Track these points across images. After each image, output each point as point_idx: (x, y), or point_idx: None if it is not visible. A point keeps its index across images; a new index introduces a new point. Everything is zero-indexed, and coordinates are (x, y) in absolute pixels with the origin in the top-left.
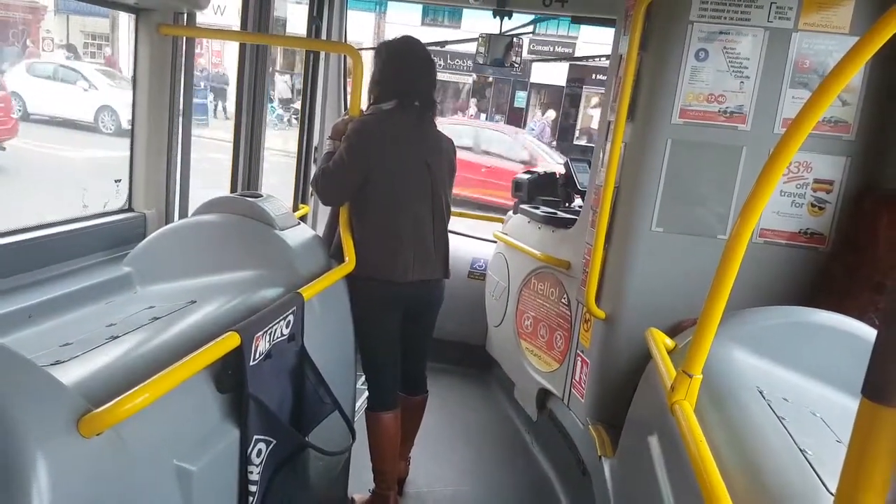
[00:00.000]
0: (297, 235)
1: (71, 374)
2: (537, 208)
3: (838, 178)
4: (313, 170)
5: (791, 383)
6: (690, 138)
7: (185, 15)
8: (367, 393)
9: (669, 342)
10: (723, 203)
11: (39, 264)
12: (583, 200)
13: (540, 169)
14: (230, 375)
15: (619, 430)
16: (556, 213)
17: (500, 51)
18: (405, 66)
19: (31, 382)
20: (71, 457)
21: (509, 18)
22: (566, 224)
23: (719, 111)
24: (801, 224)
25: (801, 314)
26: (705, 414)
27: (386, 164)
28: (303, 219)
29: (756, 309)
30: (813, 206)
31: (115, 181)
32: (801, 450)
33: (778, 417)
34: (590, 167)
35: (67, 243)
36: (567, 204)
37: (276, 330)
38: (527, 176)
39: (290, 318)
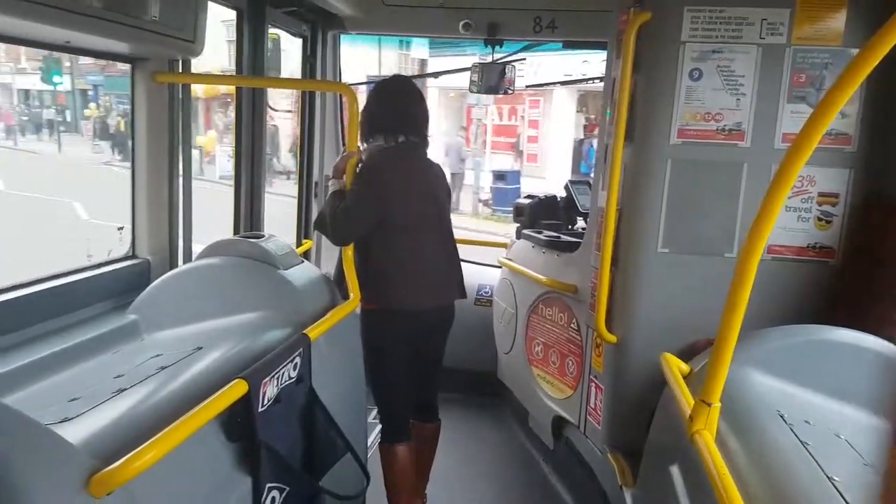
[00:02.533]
0: (301, 274)
1: (79, 431)
2: (540, 233)
3: (843, 190)
4: (313, 204)
5: (812, 404)
6: (690, 157)
7: (180, 62)
8: (379, 426)
9: (685, 367)
10: (728, 220)
11: (45, 317)
12: (585, 222)
13: (540, 193)
14: (239, 423)
15: (637, 457)
16: (559, 237)
17: (493, 78)
18: (401, 103)
19: (38, 444)
20: None
21: (500, 47)
22: (570, 248)
23: (717, 129)
24: (809, 238)
25: (817, 332)
26: (726, 441)
27: (402, 200)
28: (306, 254)
29: (771, 329)
30: (819, 219)
31: (118, 228)
32: (828, 477)
33: (801, 442)
34: (590, 189)
35: (71, 294)
36: (570, 227)
37: (283, 374)
38: (528, 201)
39: (297, 360)
